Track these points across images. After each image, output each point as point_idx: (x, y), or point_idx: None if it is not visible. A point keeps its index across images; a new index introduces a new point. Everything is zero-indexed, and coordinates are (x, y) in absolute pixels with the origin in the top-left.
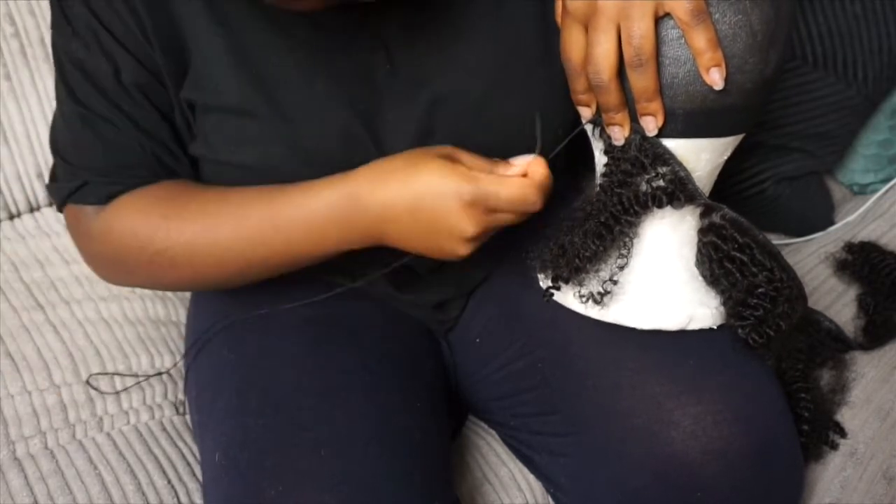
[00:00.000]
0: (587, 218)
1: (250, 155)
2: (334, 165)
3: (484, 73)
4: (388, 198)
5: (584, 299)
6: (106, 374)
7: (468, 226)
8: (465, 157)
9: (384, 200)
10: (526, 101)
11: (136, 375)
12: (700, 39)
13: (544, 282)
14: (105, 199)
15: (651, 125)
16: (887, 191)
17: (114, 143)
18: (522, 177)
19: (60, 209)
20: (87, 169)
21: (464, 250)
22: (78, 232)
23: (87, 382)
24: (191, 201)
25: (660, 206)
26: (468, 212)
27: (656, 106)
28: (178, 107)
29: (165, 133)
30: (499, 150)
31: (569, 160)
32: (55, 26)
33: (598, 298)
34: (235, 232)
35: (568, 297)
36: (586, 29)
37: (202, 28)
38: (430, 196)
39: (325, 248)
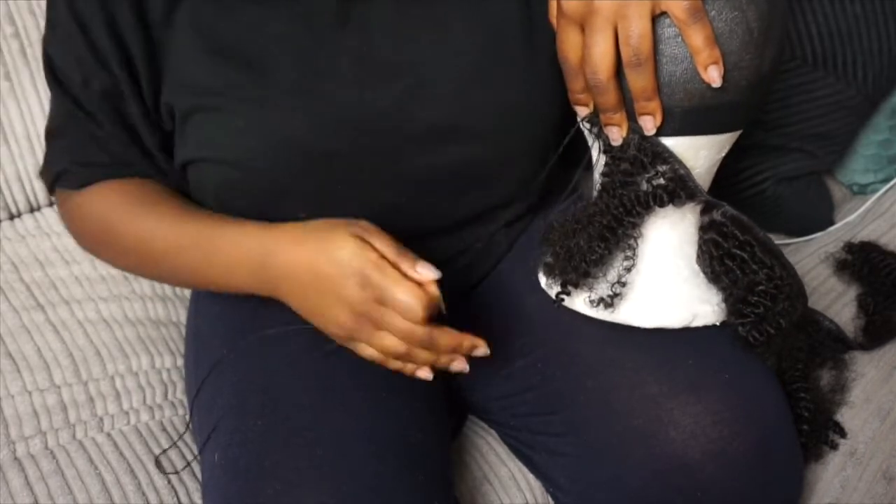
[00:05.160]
0: (590, 221)
1: (228, 149)
2: (313, 156)
3: (465, 58)
4: (297, 260)
5: (594, 304)
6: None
7: (356, 300)
8: (378, 240)
9: (293, 260)
10: (509, 88)
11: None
12: (697, 37)
13: (552, 287)
14: (78, 186)
15: (650, 124)
16: (887, 191)
17: (94, 136)
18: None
19: (51, 192)
20: (68, 154)
21: (343, 318)
22: (62, 211)
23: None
24: (156, 205)
25: (661, 205)
26: (362, 294)
27: (655, 105)
28: (165, 113)
29: (139, 137)
30: (486, 136)
31: (565, 160)
32: (46, 24)
33: (609, 301)
34: (171, 241)
35: (577, 301)
36: (582, 29)
37: (171, 23)
38: (336, 269)
39: (235, 283)
